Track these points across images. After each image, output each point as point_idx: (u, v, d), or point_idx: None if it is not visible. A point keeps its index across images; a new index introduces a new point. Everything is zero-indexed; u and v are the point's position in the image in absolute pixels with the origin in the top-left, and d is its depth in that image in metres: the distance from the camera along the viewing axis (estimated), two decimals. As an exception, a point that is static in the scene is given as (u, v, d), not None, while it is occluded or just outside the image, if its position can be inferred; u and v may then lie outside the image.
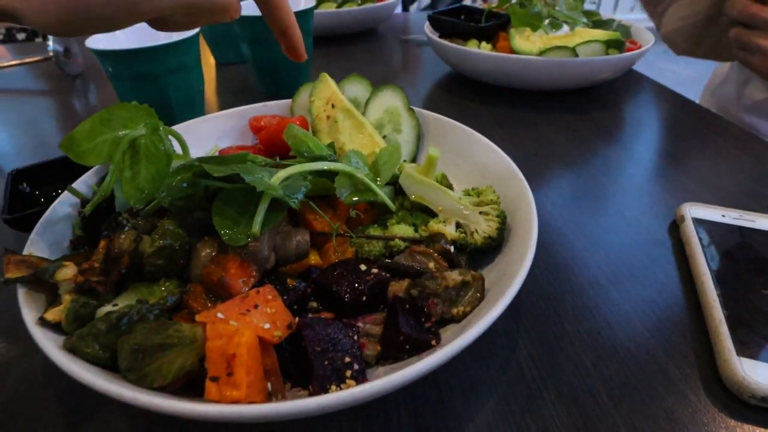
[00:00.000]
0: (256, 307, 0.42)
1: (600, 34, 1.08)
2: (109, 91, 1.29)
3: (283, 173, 0.51)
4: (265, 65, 1.14)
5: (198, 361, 0.39)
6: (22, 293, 0.45)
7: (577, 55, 1.02)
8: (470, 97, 1.15)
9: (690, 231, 0.65)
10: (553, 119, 1.00)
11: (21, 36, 1.97)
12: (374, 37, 1.69)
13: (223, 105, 1.21)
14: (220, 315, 0.39)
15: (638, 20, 1.24)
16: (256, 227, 0.47)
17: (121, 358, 0.39)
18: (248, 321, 0.40)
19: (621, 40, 1.05)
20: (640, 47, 1.11)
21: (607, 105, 1.10)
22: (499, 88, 1.15)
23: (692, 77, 1.25)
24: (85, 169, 0.65)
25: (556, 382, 0.50)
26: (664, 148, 0.93)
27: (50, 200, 0.76)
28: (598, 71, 1.05)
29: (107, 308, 0.43)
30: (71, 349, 0.40)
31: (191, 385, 0.41)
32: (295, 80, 1.17)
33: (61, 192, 0.76)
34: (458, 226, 0.58)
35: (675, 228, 0.70)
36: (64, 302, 0.43)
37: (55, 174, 0.79)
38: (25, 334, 0.42)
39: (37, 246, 0.53)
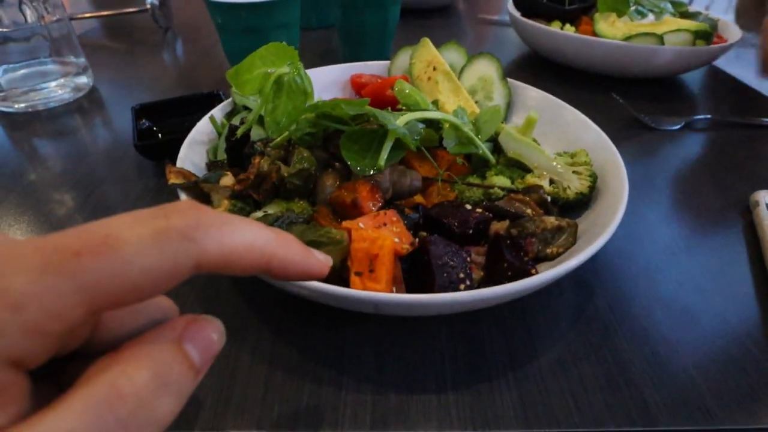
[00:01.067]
0: (384, 225, 0.49)
1: (689, 24, 1.10)
2: (194, 47, 1.38)
3: (405, 117, 0.57)
4: (353, 31, 1.21)
5: (340, 261, 0.46)
6: (183, 197, 0.54)
7: (663, 43, 1.04)
8: (548, 78, 1.19)
9: (764, 215, 0.69)
10: (633, 106, 1.03)
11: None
12: (451, 14, 1.73)
13: (309, 67, 1.28)
14: (361, 224, 0.47)
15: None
16: (382, 160, 0.54)
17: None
18: (382, 232, 0.47)
19: (710, 32, 1.07)
20: (726, 41, 1.13)
21: (686, 96, 1.12)
22: (576, 73, 1.19)
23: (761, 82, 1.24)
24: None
25: (629, 324, 0.56)
26: (739, 139, 0.95)
27: (168, 133, 0.85)
28: (683, 61, 1.06)
29: (259, 214, 0.51)
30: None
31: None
32: (380, 47, 1.24)
33: (177, 129, 0.85)
34: (551, 182, 0.63)
35: (748, 213, 0.74)
36: (222, 206, 0.52)
37: (171, 112, 0.89)
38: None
39: (185, 163, 0.61)
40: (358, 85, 0.87)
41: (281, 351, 0.51)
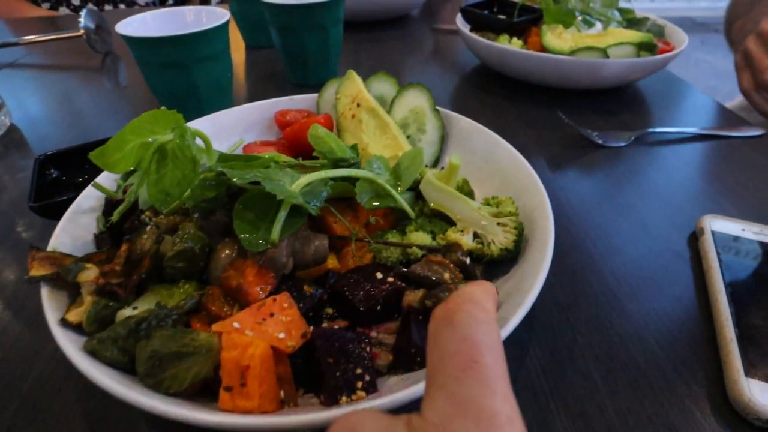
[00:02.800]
0: (272, 315, 0.43)
1: (632, 35, 1.05)
2: (138, 72, 1.30)
3: (304, 179, 0.51)
4: (294, 53, 1.14)
5: (213, 369, 0.40)
6: (45, 291, 0.47)
7: (608, 57, 0.99)
8: (499, 93, 1.14)
9: (708, 244, 0.63)
10: (581, 121, 0.98)
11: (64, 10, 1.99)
12: (406, 24, 1.68)
13: (252, 90, 1.22)
14: (236, 324, 0.40)
15: (677, 9, 1.20)
16: (275, 234, 0.47)
17: (139, 363, 0.40)
18: (263, 330, 0.41)
19: (653, 43, 1.02)
20: (672, 48, 1.08)
21: (636, 106, 1.08)
22: (528, 85, 1.14)
23: (729, 70, 1.21)
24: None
25: (564, 395, 0.50)
26: (692, 155, 0.90)
27: (78, 186, 0.78)
28: (628, 73, 1.02)
29: (127, 311, 0.45)
30: (91, 352, 0.41)
31: (206, 389, 0.43)
32: (324, 68, 1.18)
33: (90, 178, 0.78)
34: (476, 236, 0.58)
35: (695, 240, 0.69)
36: (85, 303, 0.45)
37: (84, 159, 0.81)
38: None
39: (61, 241, 0.55)
40: (282, 124, 0.81)
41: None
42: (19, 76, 1.34)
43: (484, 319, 0.29)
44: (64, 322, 0.44)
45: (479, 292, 0.32)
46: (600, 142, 0.91)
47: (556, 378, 0.52)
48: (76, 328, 0.45)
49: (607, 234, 0.71)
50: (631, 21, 1.17)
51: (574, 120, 0.95)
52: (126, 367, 0.42)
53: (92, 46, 1.42)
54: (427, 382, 0.28)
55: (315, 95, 0.85)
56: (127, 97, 1.19)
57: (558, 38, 1.09)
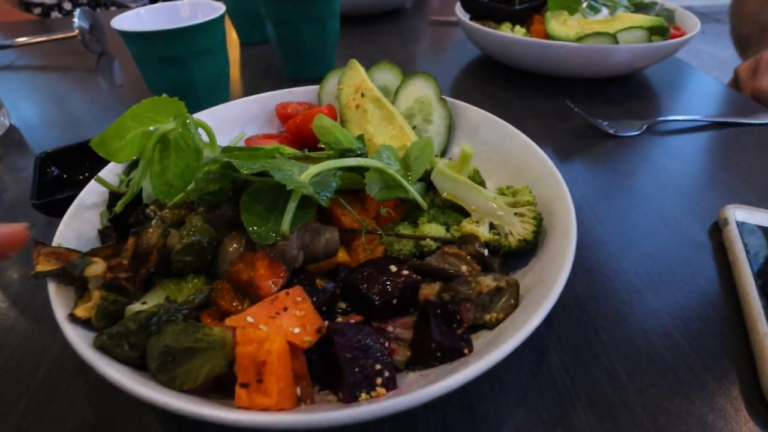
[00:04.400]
0: (285, 309, 0.41)
1: (643, 19, 1.03)
2: (133, 71, 1.28)
3: (313, 169, 0.49)
4: (290, 46, 1.12)
5: (227, 365, 0.38)
6: (52, 287, 0.45)
7: (617, 42, 0.97)
8: (502, 84, 1.12)
9: (734, 236, 0.61)
10: (590, 110, 0.96)
11: (55, 14, 1.96)
12: (403, 17, 1.66)
13: (248, 86, 1.20)
14: (249, 319, 0.39)
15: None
16: (285, 226, 0.46)
17: (150, 359, 0.38)
18: (278, 325, 0.39)
19: (665, 27, 1.00)
20: (683, 33, 1.06)
21: (645, 94, 1.06)
22: (532, 75, 1.11)
23: (731, 60, 1.20)
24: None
25: (588, 392, 0.48)
26: (707, 144, 0.89)
27: (79, 183, 0.76)
28: (640, 59, 1.00)
29: (136, 306, 0.43)
30: (102, 348, 0.40)
31: (219, 385, 0.41)
32: (321, 62, 1.16)
33: (90, 176, 0.75)
34: (492, 226, 0.56)
35: (717, 231, 0.67)
36: (93, 298, 0.43)
37: (84, 156, 0.79)
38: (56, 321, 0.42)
39: (65, 237, 0.53)
40: (283, 116, 0.79)
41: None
42: (14, 78, 1.32)
43: None
44: (73, 318, 0.42)
45: None
46: (612, 131, 0.89)
47: (579, 375, 0.50)
48: (85, 323, 0.43)
49: (624, 226, 0.69)
50: (638, 6, 1.15)
51: (583, 110, 0.93)
52: (137, 363, 0.40)
53: (87, 46, 1.40)
54: None
55: (315, 87, 0.83)
56: (123, 96, 1.17)
57: (563, 25, 1.07)
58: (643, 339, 0.53)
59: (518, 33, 1.12)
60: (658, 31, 1.00)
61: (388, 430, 0.45)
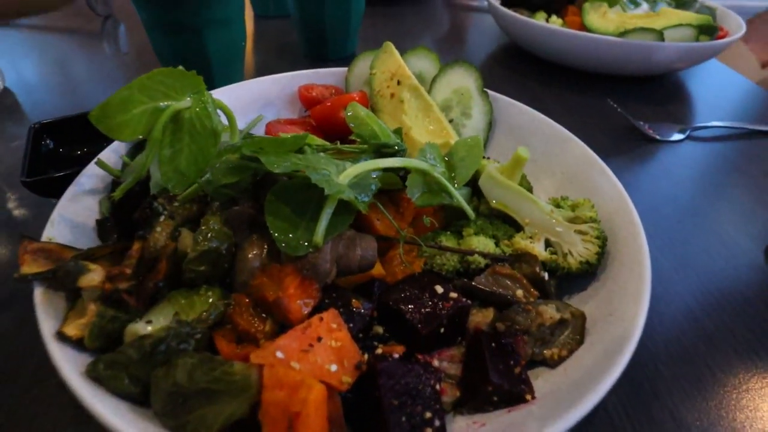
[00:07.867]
0: (319, 340, 0.34)
1: (690, 17, 0.96)
2: (140, 38, 1.20)
3: (352, 170, 0.42)
4: (313, 23, 1.04)
5: (249, 408, 0.32)
6: (39, 293, 0.38)
7: (663, 40, 0.90)
8: (532, 75, 1.04)
9: None
10: (630, 110, 0.89)
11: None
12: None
13: (262, 64, 1.12)
14: (279, 354, 0.32)
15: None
16: (319, 236, 0.39)
17: (155, 397, 0.31)
18: (312, 362, 0.32)
19: (714, 26, 0.93)
20: (727, 34, 0.99)
21: (682, 96, 0.99)
22: (562, 68, 1.04)
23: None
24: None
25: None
26: (754, 153, 0.82)
27: (76, 160, 0.69)
28: (685, 59, 0.93)
29: (140, 326, 0.36)
30: (96, 378, 0.33)
31: (236, 424, 0.34)
32: (342, 43, 1.07)
33: (88, 151, 0.67)
34: (548, 244, 0.49)
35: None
36: (87, 313, 0.36)
37: (83, 129, 0.71)
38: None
39: (58, 228, 0.45)
40: (307, 100, 0.72)
41: None
42: (13, 36, 1.23)
43: None
44: (61, 336, 0.35)
45: None
46: (656, 136, 0.83)
47: (640, 418, 0.44)
48: (76, 342, 0.36)
49: (674, 241, 0.63)
50: (679, 2, 1.08)
51: (623, 109, 0.86)
52: (138, 398, 0.33)
53: (93, 7, 1.32)
54: None
55: (342, 69, 0.76)
56: (128, 65, 1.09)
57: (601, 18, 1.00)
58: (710, 377, 0.47)
59: (554, 23, 1.04)
60: (706, 30, 0.94)
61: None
